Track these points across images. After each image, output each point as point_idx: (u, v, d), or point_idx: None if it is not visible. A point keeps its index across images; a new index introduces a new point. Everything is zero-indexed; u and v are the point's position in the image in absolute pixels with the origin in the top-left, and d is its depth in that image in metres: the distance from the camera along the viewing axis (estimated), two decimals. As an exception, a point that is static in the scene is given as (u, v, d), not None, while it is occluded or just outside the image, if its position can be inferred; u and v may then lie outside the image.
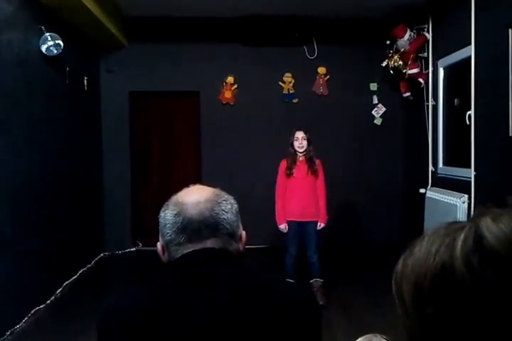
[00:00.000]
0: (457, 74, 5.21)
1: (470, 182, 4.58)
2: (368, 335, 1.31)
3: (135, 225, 6.61)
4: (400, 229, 6.29)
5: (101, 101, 6.50)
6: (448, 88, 5.50)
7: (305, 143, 4.40)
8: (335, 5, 5.67)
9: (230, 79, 6.53)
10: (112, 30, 5.62)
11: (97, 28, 5.43)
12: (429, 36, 5.68)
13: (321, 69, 6.60)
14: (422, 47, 5.79)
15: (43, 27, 4.50)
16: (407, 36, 5.74)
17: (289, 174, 4.42)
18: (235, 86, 6.55)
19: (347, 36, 6.49)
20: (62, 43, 4.58)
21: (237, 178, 6.27)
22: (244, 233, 1.25)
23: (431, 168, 5.73)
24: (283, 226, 4.46)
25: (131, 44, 6.41)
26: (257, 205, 5.89)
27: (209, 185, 1.28)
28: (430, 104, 5.72)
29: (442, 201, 4.98)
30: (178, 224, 1.16)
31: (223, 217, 1.18)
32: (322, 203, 4.46)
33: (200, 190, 1.24)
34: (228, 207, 1.20)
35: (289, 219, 4.44)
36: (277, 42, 6.43)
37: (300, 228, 4.43)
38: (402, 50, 5.78)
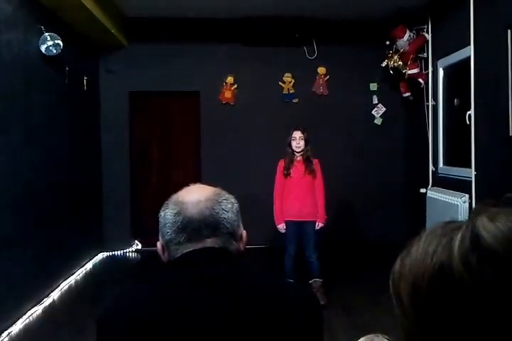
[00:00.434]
0: (457, 74, 5.22)
1: (470, 181, 4.58)
2: (369, 335, 1.31)
3: (134, 225, 6.61)
4: (401, 229, 6.29)
5: (100, 101, 6.50)
6: (448, 88, 5.50)
7: (302, 142, 4.39)
8: (335, 6, 5.67)
9: (230, 79, 6.53)
10: (112, 30, 5.62)
11: (97, 28, 5.42)
12: (429, 36, 5.69)
13: (321, 70, 6.60)
14: (422, 47, 5.79)
15: (42, 27, 4.50)
16: (406, 36, 5.74)
17: (286, 174, 4.42)
18: (235, 86, 6.55)
19: (347, 36, 6.49)
20: (61, 43, 4.57)
21: (236, 178, 6.26)
22: (244, 232, 1.25)
23: (431, 167, 5.73)
24: (281, 227, 4.46)
25: (130, 44, 6.41)
26: (256, 205, 5.88)
27: (209, 185, 1.28)
28: (430, 104, 5.72)
29: (443, 201, 4.99)
30: (178, 224, 1.16)
31: (224, 216, 1.18)
32: (321, 203, 4.45)
33: (201, 189, 1.23)
34: (229, 206, 1.20)
35: (287, 219, 4.43)
36: (277, 43, 6.43)
37: (298, 228, 4.43)
38: (402, 50, 5.79)
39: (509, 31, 3.92)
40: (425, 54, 5.78)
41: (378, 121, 6.71)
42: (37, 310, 4.31)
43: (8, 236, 3.91)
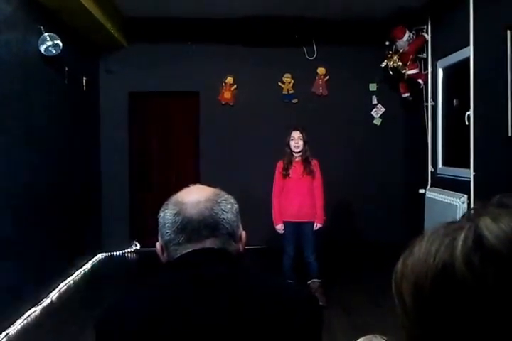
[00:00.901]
0: (456, 74, 5.22)
1: (469, 182, 4.58)
2: (368, 336, 1.30)
3: (133, 225, 6.60)
4: (400, 229, 6.29)
5: (100, 101, 6.50)
6: (447, 88, 5.51)
7: (301, 142, 4.38)
8: (334, 6, 5.67)
9: (230, 79, 6.53)
10: (111, 31, 5.62)
11: (96, 29, 5.42)
12: (428, 37, 5.69)
13: (321, 70, 6.60)
14: (421, 48, 5.79)
15: (41, 27, 4.49)
16: (406, 37, 5.75)
17: (285, 174, 4.41)
18: (235, 86, 6.55)
19: (346, 37, 6.49)
20: (61, 43, 4.57)
21: (236, 178, 6.26)
22: (244, 233, 1.25)
23: (430, 168, 5.73)
24: (279, 227, 4.45)
25: (130, 44, 6.41)
26: (255, 206, 5.87)
27: (208, 185, 1.28)
28: (429, 104, 5.73)
29: (442, 201, 4.99)
30: (178, 224, 1.16)
31: (223, 216, 1.17)
32: (319, 204, 4.44)
33: (200, 190, 1.23)
34: (228, 206, 1.20)
35: (285, 220, 4.42)
36: (277, 43, 6.44)
37: (297, 229, 4.42)
38: (402, 50, 5.79)
39: (508, 32, 3.92)
40: (425, 54, 5.78)
41: (377, 122, 6.72)
42: (35, 311, 4.30)
43: (7, 237, 3.90)
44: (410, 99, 6.16)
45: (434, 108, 5.68)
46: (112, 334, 1.10)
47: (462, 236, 0.54)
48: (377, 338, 1.29)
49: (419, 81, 5.78)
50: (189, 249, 1.15)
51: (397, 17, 5.74)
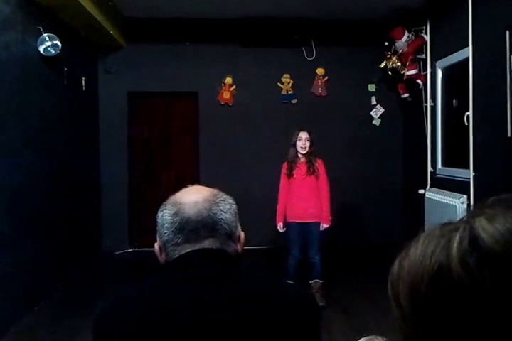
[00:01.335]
0: (455, 75, 5.22)
1: (469, 182, 4.58)
2: (367, 337, 1.30)
3: (132, 226, 6.60)
4: (400, 230, 6.29)
5: (99, 101, 6.50)
6: (446, 89, 5.51)
7: (308, 144, 4.36)
8: (333, 7, 5.67)
9: (229, 79, 6.53)
10: (110, 31, 5.62)
11: (95, 29, 5.42)
12: (427, 38, 5.69)
13: (320, 71, 6.60)
14: (420, 48, 5.80)
15: (40, 27, 4.49)
16: (405, 38, 5.75)
17: (289, 175, 4.39)
18: (234, 87, 6.56)
19: (345, 37, 6.50)
20: (60, 44, 4.57)
21: (235, 179, 6.26)
22: (242, 234, 1.25)
23: (430, 168, 5.73)
24: (278, 227, 4.44)
25: (129, 44, 6.41)
26: (256, 206, 5.89)
27: (207, 186, 1.28)
28: (429, 105, 5.73)
29: (441, 202, 4.99)
30: (176, 224, 1.16)
31: (221, 217, 1.17)
32: (325, 204, 4.41)
33: (199, 190, 1.23)
34: (227, 207, 1.20)
35: (291, 221, 4.40)
36: (276, 44, 6.44)
37: (302, 229, 4.39)
38: (401, 51, 5.79)
39: (508, 32, 3.93)
40: (424, 55, 5.79)
41: (377, 122, 6.72)
42: (34, 311, 4.29)
43: (5, 237, 3.90)
44: (409, 99, 6.17)
45: (434, 108, 5.68)
46: (109, 334, 1.10)
47: (458, 237, 0.54)
48: (377, 339, 1.29)
49: (419, 81, 5.79)
50: (187, 249, 1.15)
51: (396, 18, 5.75)
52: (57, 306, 4.51)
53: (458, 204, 4.63)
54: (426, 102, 5.77)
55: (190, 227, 1.15)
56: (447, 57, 5.26)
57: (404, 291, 0.56)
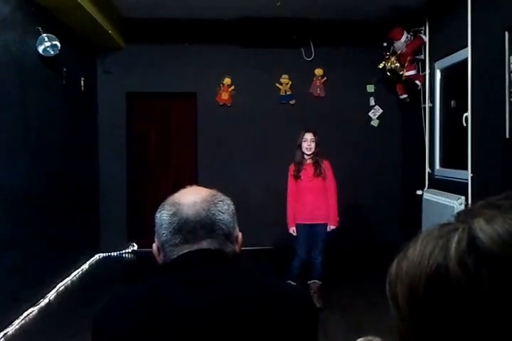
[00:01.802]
0: (454, 76, 5.22)
1: (467, 183, 4.59)
2: (365, 338, 1.30)
3: (131, 226, 6.60)
4: (398, 231, 6.29)
5: (98, 102, 6.49)
6: (445, 90, 5.51)
7: (313, 145, 4.36)
8: (332, 7, 5.67)
9: (227, 80, 6.53)
10: (109, 31, 5.62)
11: (94, 29, 5.42)
12: (426, 38, 5.69)
13: (318, 71, 6.60)
14: (419, 49, 5.80)
15: (39, 28, 4.49)
16: (403, 38, 5.75)
17: (296, 177, 4.38)
18: (232, 87, 6.55)
19: (344, 38, 6.50)
20: (59, 44, 4.57)
21: (234, 179, 6.26)
22: (240, 234, 1.25)
23: (428, 169, 5.74)
24: (291, 231, 4.41)
25: (128, 45, 6.41)
26: (254, 206, 5.89)
27: (206, 186, 1.28)
28: (427, 105, 5.73)
29: (439, 203, 4.99)
30: (174, 225, 1.16)
31: (219, 217, 1.17)
32: (332, 205, 4.40)
33: (197, 191, 1.23)
34: (225, 207, 1.20)
35: (298, 223, 4.38)
36: (274, 44, 6.44)
37: (310, 231, 4.37)
38: (399, 52, 5.80)
39: (506, 33, 3.93)
40: (422, 56, 5.79)
41: (375, 123, 6.72)
42: (33, 311, 4.29)
43: (4, 237, 3.90)
44: (408, 100, 6.17)
45: (432, 109, 5.68)
46: (108, 334, 1.10)
47: (456, 238, 0.54)
48: (375, 340, 1.29)
49: (417, 82, 5.79)
50: (185, 249, 1.15)
51: (395, 18, 5.75)
52: (56, 307, 4.51)
53: (456, 205, 4.63)
54: (424, 103, 5.77)
55: (189, 228, 1.15)
56: (446, 58, 5.27)
57: (402, 292, 0.56)
